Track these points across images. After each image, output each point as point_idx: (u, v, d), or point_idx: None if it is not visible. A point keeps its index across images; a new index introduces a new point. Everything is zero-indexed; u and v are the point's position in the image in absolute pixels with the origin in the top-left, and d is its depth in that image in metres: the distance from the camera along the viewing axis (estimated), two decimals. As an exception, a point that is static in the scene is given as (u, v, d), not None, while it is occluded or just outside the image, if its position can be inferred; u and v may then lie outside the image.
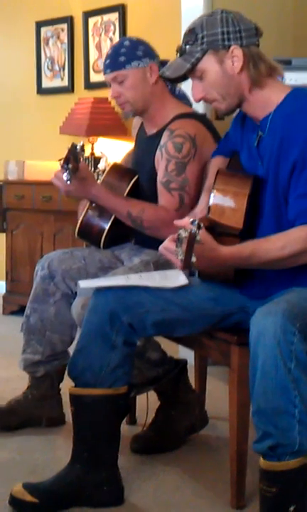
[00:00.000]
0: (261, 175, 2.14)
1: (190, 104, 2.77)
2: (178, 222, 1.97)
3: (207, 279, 2.20)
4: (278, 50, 3.96)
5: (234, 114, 2.30)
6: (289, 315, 1.84)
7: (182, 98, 2.78)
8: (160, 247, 2.02)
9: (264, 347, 1.84)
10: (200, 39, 2.08)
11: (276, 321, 1.82)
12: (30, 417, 2.79)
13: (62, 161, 2.40)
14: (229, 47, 2.08)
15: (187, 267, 1.82)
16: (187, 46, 2.11)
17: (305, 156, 2.00)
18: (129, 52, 2.64)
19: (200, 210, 2.37)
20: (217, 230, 2.10)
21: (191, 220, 1.83)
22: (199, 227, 1.80)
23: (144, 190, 2.72)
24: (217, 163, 2.41)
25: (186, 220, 1.91)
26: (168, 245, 1.98)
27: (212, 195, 2.17)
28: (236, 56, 2.08)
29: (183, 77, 2.18)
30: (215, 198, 2.16)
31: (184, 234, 1.80)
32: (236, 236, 2.10)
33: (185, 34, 2.12)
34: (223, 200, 2.14)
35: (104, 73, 2.69)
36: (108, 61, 2.67)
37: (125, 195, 2.70)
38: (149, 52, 2.67)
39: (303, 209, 2.01)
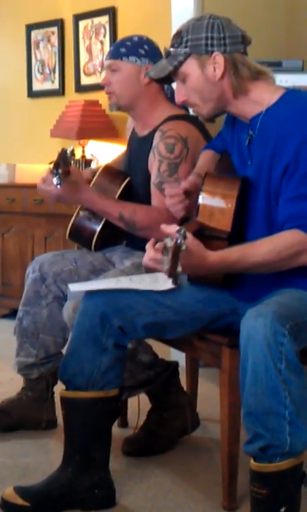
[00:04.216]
0: (250, 175, 2.14)
1: (187, 110, 2.78)
2: (165, 229, 1.94)
3: (197, 282, 2.20)
4: (269, 51, 3.96)
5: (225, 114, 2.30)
6: (279, 316, 1.84)
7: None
8: (145, 259, 1.99)
9: (254, 348, 1.84)
10: (185, 42, 2.09)
11: (266, 322, 1.83)
12: (23, 419, 2.78)
13: (52, 167, 2.39)
14: (211, 53, 2.08)
15: (172, 277, 1.79)
16: (172, 49, 2.12)
17: (298, 159, 2.00)
18: (132, 47, 2.66)
19: (184, 183, 2.33)
20: (205, 233, 2.10)
21: (177, 228, 1.80)
22: (185, 237, 1.78)
23: (138, 192, 2.72)
24: (207, 155, 2.42)
25: (172, 228, 1.89)
26: (153, 256, 1.96)
27: (200, 197, 2.17)
28: (217, 63, 2.09)
29: (169, 79, 2.19)
30: (204, 200, 2.16)
31: (170, 243, 1.78)
32: (224, 239, 2.09)
33: (172, 37, 2.13)
34: (211, 203, 2.14)
35: (106, 58, 2.72)
36: (112, 48, 2.70)
37: (116, 198, 2.70)
38: (152, 54, 2.67)
39: (291, 213, 2.01)
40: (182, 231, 1.78)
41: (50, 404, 2.82)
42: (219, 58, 2.08)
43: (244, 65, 2.11)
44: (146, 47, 2.68)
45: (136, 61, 2.65)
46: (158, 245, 1.95)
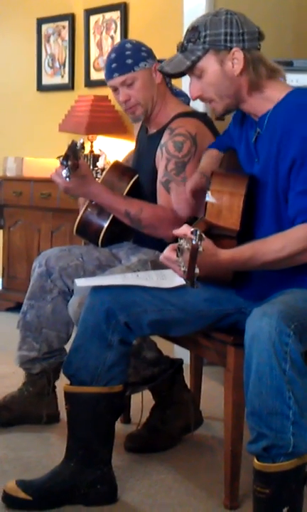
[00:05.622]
0: (257, 172, 2.14)
1: (187, 102, 2.78)
2: (177, 232, 1.91)
3: (206, 281, 2.19)
4: (279, 51, 3.95)
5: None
6: (284, 316, 1.83)
7: (180, 95, 2.78)
8: (161, 257, 1.98)
9: (259, 348, 1.84)
10: (203, 38, 2.07)
11: (271, 322, 1.82)
12: (24, 414, 2.78)
13: (61, 158, 2.39)
14: (230, 48, 2.07)
15: (190, 279, 1.77)
16: (189, 44, 2.10)
17: (304, 152, 1.99)
18: (135, 54, 2.62)
19: (189, 183, 2.38)
20: (214, 232, 2.09)
21: (192, 229, 1.77)
22: (201, 238, 1.75)
23: (144, 189, 2.72)
24: (211, 153, 2.41)
25: (186, 229, 1.86)
26: (168, 255, 1.95)
27: (208, 196, 2.16)
28: (236, 58, 2.08)
29: (181, 73, 2.17)
30: (211, 199, 2.15)
31: (186, 245, 1.76)
32: (233, 238, 2.09)
33: (188, 31, 2.11)
34: (219, 201, 2.14)
35: (111, 78, 2.64)
36: (114, 65, 2.62)
37: (124, 194, 2.70)
38: (151, 53, 2.67)
39: (302, 207, 2.00)
40: (198, 233, 1.75)
41: (50, 399, 2.82)
42: (238, 54, 2.07)
43: (262, 61, 2.10)
44: (143, 48, 2.66)
45: (145, 65, 2.63)
46: (172, 245, 1.94)
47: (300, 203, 2.01)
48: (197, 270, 1.75)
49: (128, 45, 2.65)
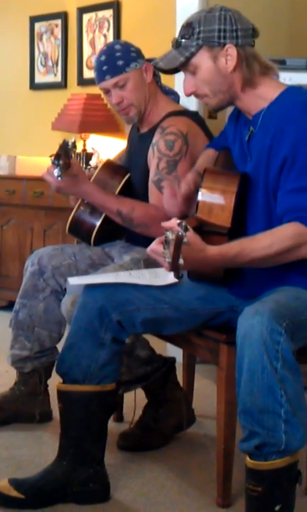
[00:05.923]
0: (250, 170, 2.14)
1: (177, 100, 2.78)
2: (165, 224, 1.92)
3: (197, 278, 2.20)
4: (273, 49, 3.96)
5: (230, 110, 2.29)
6: (276, 314, 1.84)
7: (170, 93, 2.78)
8: (148, 249, 1.98)
9: (251, 346, 1.84)
10: (196, 34, 2.08)
11: (263, 320, 1.82)
12: (16, 413, 2.78)
13: (53, 157, 2.39)
14: (224, 45, 2.08)
15: (174, 270, 1.78)
16: (183, 40, 2.10)
17: (296, 151, 2.00)
18: (125, 54, 2.61)
19: (184, 185, 2.33)
20: (205, 229, 2.09)
21: (178, 221, 1.79)
22: (186, 230, 1.76)
23: (136, 188, 2.72)
24: (208, 153, 2.41)
25: (173, 222, 1.87)
26: (155, 247, 1.95)
27: (199, 193, 2.16)
28: (230, 55, 2.08)
29: (175, 70, 2.18)
30: (203, 196, 2.15)
31: (171, 236, 1.77)
32: (224, 235, 2.09)
33: (182, 27, 2.11)
34: (211, 198, 2.14)
35: (103, 80, 2.62)
36: (105, 67, 2.61)
37: (116, 193, 2.70)
38: (140, 53, 2.67)
39: (291, 205, 2.00)
40: (183, 224, 1.76)
41: (43, 398, 2.82)
42: (231, 51, 2.07)
43: (255, 58, 2.11)
44: (132, 48, 2.66)
45: (136, 66, 2.62)
46: (159, 238, 1.94)
47: (288, 202, 2.01)
48: (181, 261, 1.75)
49: (118, 47, 2.64)
